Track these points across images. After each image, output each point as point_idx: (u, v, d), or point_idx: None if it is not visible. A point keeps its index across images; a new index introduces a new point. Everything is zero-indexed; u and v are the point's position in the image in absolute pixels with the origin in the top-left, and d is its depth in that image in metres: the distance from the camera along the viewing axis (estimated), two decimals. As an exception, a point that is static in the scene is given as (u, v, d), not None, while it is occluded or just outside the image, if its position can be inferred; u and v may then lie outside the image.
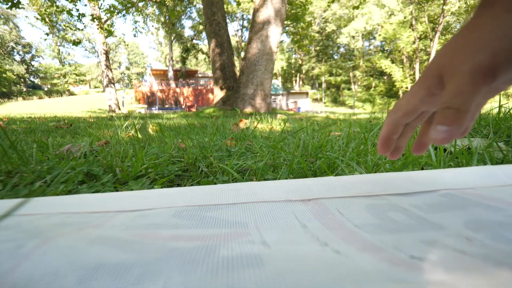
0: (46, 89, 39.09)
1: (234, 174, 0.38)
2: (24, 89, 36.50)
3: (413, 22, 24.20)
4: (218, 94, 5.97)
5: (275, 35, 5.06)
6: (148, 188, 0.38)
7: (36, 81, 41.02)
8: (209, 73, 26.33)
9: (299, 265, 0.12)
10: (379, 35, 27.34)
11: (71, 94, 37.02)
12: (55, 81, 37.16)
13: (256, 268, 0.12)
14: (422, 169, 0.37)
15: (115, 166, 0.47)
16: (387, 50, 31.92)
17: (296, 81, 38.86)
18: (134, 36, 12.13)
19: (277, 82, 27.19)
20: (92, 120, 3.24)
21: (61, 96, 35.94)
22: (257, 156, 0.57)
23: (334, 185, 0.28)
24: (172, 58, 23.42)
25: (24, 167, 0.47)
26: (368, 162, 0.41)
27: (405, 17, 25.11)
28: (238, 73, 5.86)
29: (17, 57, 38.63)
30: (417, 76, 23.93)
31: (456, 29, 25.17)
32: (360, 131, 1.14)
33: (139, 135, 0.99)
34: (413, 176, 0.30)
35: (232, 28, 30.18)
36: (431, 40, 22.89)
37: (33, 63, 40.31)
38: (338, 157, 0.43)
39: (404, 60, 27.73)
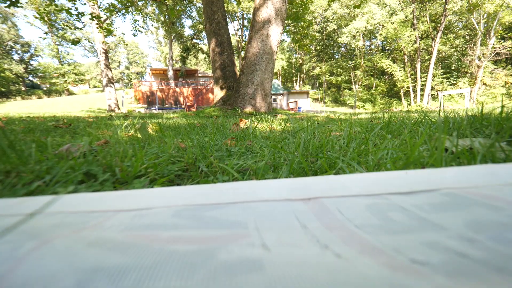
0: (45, 88, 39.06)
1: (234, 174, 0.38)
2: (23, 89, 36.47)
3: (415, 21, 24.14)
4: (218, 93, 5.96)
5: (276, 34, 5.04)
6: (148, 188, 0.37)
7: (35, 80, 41.00)
8: (209, 72, 26.31)
9: (299, 270, 0.12)
10: (380, 34, 27.26)
11: (70, 93, 36.99)
12: (54, 80, 37.11)
13: (256, 273, 0.12)
14: (423, 168, 0.37)
15: (114, 165, 0.47)
16: (388, 49, 31.86)
17: (296, 80, 38.83)
18: (134, 35, 12.11)
19: (278, 81, 27.17)
20: (92, 119, 3.23)
21: (60, 95, 35.93)
22: (258, 156, 0.57)
23: (335, 184, 0.28)
24: (172, 57, 23.39)
25: (23, 166, 0.47)
26: (369, 162, 0.41)
27: (406, 16, 25.03)
28: (238, 73, 5.85)
29: (16, 56, 38.60)
30: (419, 75, 23.89)
31: (458, 28, 25.07)
32: (361, 131, 1.14)
33: (139, 135, 0.99)
34: (414, 175, 0.29)
35: (232, 27, 30.14)
36: (432, 39, 22.83)
37: (31, 62, 40.28)
38: (339, 157, 0.43)
39: (406, 60, 27.67)
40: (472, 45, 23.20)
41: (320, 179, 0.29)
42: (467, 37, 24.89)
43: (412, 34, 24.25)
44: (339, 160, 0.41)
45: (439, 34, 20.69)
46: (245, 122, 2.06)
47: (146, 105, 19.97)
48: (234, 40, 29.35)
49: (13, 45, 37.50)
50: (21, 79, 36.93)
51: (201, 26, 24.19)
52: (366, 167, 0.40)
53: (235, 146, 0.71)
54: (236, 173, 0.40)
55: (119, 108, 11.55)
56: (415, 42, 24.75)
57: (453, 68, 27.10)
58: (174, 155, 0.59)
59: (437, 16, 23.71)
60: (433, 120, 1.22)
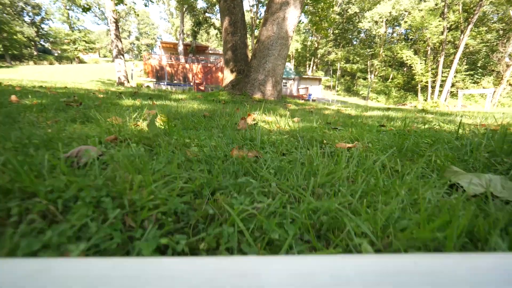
0: (56, 54, 38.96)
1: (239, 225, 0.39)
2: (35, 53, 36.47)
3: (445, 10, 22.14)
4: (228, 76, 5.81)
5: (293, 17, 4.74)
6: (155, 258, 0.38)
7: (47, 45, 40.81)
8: (220, 50, 25.46)
9: None
10: (405, 22, 25.27)
11: (81, 61, 36.86)
12: (65, 47, 36.81)
13: None
14: (436, 252, 0.35)
15: (123, 193, 0.48)
16: (411, 39, 29.75)
17: (309, 65, 37.31)
18: (145, 5, 11.62)
19: (290, 65, 26.19)
20: (101, 95, 3.26)
21: (71, 63, 35.88)
22: (265, 187, 0.57)
23: (348, 276, 0.27)
24: (183, 31, 22.61)
25: (38, 187, 0.48)
26: (377, 219, 0.40)
27: (436, 4, 22.92)
28: (250, 56, 5.63)
29: (27, 19, 38.04)
30: (440, 70, 22.50)
31: (492, 20, 22.94)
32: (371, 148, 1.10)
33: (149, 132, 0.99)
34: (425, 265, 0.28)
35: (248, 2, 28.47)
36: (462, 31, 21.09)
37: (43, 26, 39.74)
38: (346, 213, 0.42)
39: (429, 52, 25.91)
40: (505, 40, 21.37)
41: (325, 259, 0.29)
42: (501, 32, 22.85)
43: (440, 24, 22.40)
44: (346, 218, 0.40)
45: (470, 26, 19.01)
46: (253, 118, 2.03)
47: (155, 80, 19.80)
48: (248, 16, 27.87)
49: (24, 6, 36.78)
50: (32, 43, 36.77)
51: (214, 0, 22.93)
52: (373, 229, 0.39)
53: (242, 159, 0.71)
54: (242, 223, 0.40)
55: (128, 81, 11.49)
56: (442, 33, 22.93)
57: (479, 65, 25.34)
58: (181, 176, 0.59)
59: (471, 6, 21.61)
60: (448, 139, 1.16)
